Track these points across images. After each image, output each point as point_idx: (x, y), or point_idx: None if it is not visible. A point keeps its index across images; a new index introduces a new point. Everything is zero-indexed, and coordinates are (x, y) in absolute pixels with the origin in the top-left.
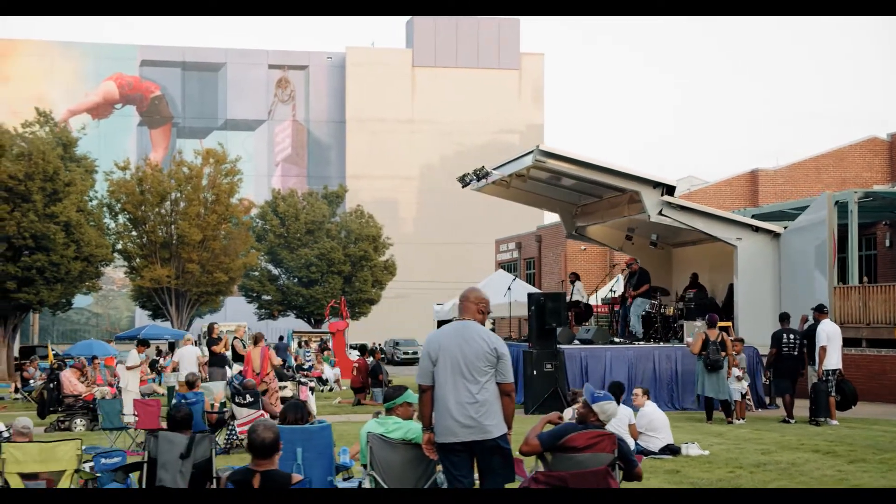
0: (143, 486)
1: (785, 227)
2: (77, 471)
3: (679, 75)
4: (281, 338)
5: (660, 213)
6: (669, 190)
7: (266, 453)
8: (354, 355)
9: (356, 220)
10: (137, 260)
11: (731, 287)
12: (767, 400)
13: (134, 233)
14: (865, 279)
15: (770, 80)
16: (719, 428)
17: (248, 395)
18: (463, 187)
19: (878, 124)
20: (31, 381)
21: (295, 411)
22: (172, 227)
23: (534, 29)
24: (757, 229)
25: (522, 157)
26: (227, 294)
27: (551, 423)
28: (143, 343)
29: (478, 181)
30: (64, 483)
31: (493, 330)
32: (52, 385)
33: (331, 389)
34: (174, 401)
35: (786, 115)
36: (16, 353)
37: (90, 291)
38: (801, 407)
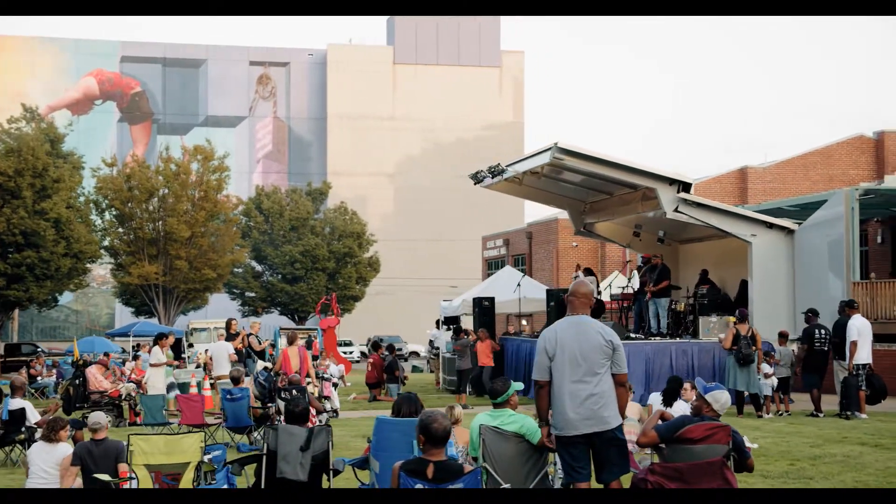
0: (264, 479)
1: (799, 224)
2: (201, 462)
3: (663, 73)
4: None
5: (676, 210)
6: (685, 187)
7: (442, 442)
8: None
9: (340, 217)
10: (124, 257)
11: (742, 283)
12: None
13: (121, 229)
14: (873, 275)
15: (756, 78)
16: (753, 422)
17: (293, 391)
18: (475, 184)
19: (864, 121)
20: (39, 378)
21: (409, 404)
22: (160, 223)
23: (514, 26)
24: (771, 226)
25: (540, 154)
26: (215, 291)
27: (664, 417)
28: (162, 337)
29: (492, 178)
30: (188, 475)
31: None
32: (77, 381)
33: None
34: (218, 396)
35: (773, 112)
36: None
37: (77, 288)
38: (825, 402)
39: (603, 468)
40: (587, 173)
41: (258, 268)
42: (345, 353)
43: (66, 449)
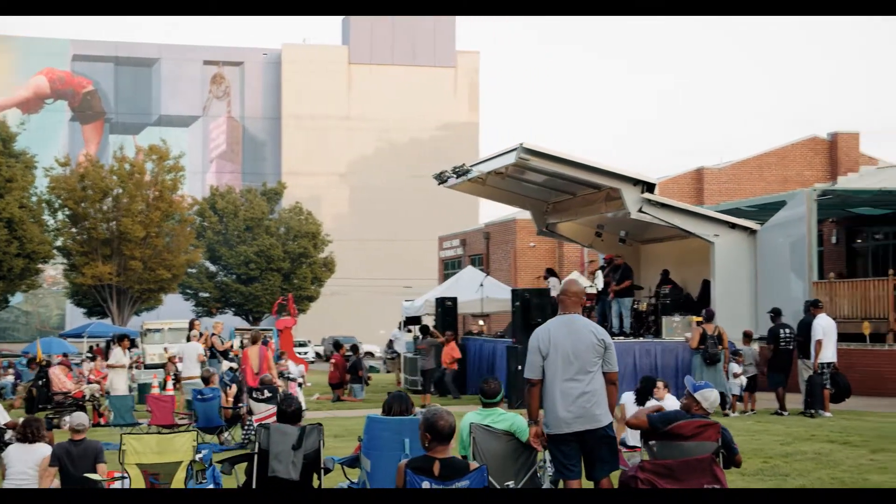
0: (255, 477)
1: (761, 224)
2: (192, 462)
3: (618, 74)
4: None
5: (640, 210)
6: (649, 187)
7: (448, 440)
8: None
9: (295, 217)
10: (77, 257)
11: (704, 283)
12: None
13: (74, 229)
14: (832, 275)
15: (711, 79)
16: (721, 420)
17: (265, 391)
18: (439, 184)
19: (817, 123)
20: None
21: (400, 402)
22: (114, 223)
23: (470, 27)
24: (733, 226)
25: (505, 155)
26: (170, 291)
27: (659, 411)
28: (123, 339)
29: (457, 178)
30: (180, 474)
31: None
32: (40, 382)
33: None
34: (189, 397)
35: (727, 113)
36: None
37: (29, 289)
38: (789, 400)
39: (594, 465)
40: (551, 174)
41: (212, 268)
42: (300, 353)
43: (44, 449)
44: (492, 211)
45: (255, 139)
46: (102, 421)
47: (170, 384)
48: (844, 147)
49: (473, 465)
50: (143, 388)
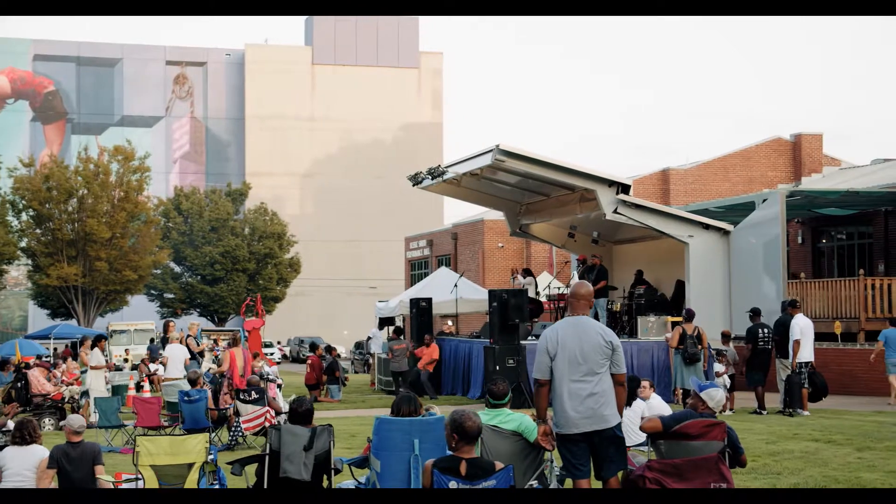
0: (266, 478)
1: (734, 225)
2: (205, 463)
3: (583, 75)
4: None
5: (615, 212)
6: (624, 188)
7: (475, 440)
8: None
9: (261, 218)
10: (42, 258)
11: (678, 283)
12: None
13: (38, 230)
14: (802, 275)
15: (676, 80)
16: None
17: (253, 392)
18: (414, 185)
19: (780, 125)
20: None
21: (409, 403)
22: (77, 224)
23: (433, 28)
24: (707, 227)
25: (481, 156)
26: (136, 292)
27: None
28: (101, 339)
29: (432, 179)
30: (193, 475)
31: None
32: (19, 384)
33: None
34: (170, 398)
35: (691, 114)
36: None
37: None
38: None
39: (602, 465)
40: (527, 175)
41: (177, 269)
42: (266, 354)
43: (41, 451)
44: (457, 211)
45: (218, 140)
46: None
47: (147, 385)
48: (808, 148)
49: (499, 465)
50: (117, 390)
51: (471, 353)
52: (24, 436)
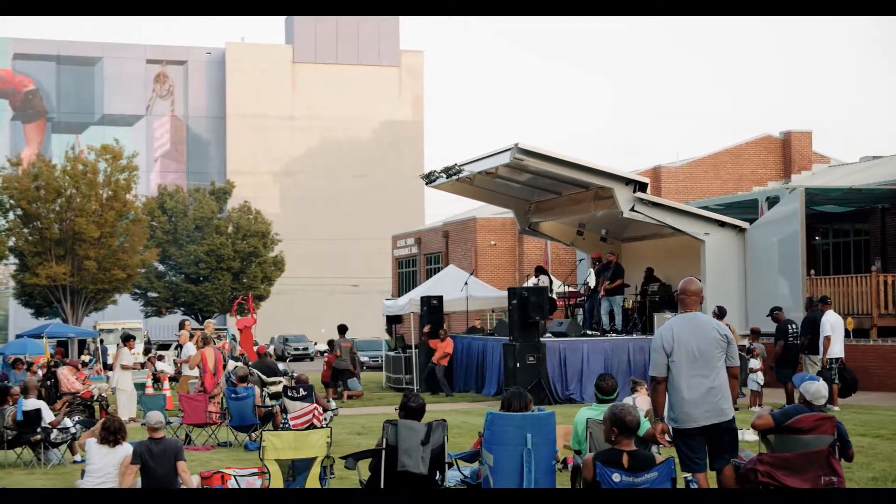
0: (383, 473)
1: (750, 223)
2: (327, 457)
3: (566, 74)
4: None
5: (632, 209)
6: (641, 186)
7: (633, 433)
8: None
9: (245, 216)
10: (30, 257)
11: None
12: None
13: (26, 230)
14: (812, 271)
15: (663, 78)
16: (739, 415)
17: (301, 389)
18: (427, 184)
19: (769, 122)
20: None
21: (520, 399)
22: (64, 223)
23: (414, 27)
24: (723, 224)
25: (498, 155)
26: (125, 291)
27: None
28: (129, 339)
29: (447, 178)
30: (315, 469)
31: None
32: (49, 382)
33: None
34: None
35: (680, 112)
36: None
37: None
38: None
39: (717, 457)
40: (542, 173)
41: (161, 268)
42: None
43: (126, 448)
44: (438, 209)
45: (199, 138)
46: None
47: (166, 384)
48: (797, 146)
49: (659, 457)
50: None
51: (485, 350)
52: (109, 436)
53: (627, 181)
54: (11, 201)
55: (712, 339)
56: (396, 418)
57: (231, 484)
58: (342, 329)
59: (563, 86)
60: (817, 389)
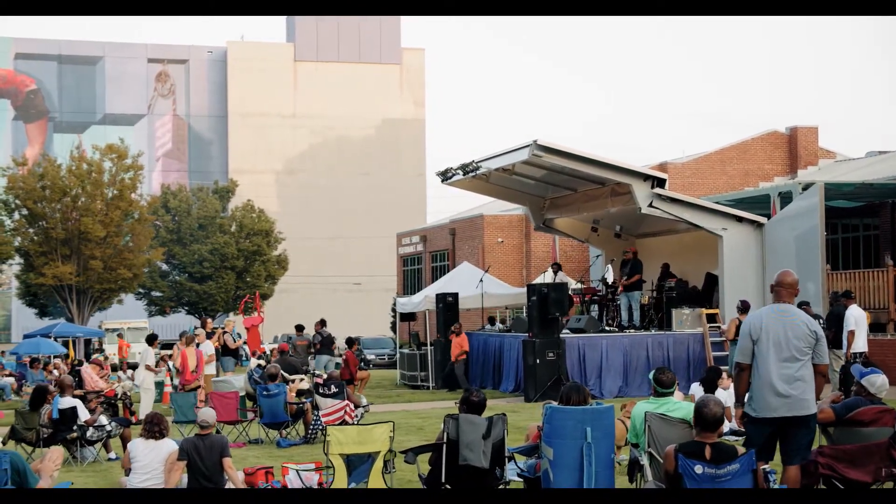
0: (444, 467)
1: (768, 218)
2: (390, 451)
3: (570, 71)
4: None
5: (650, 205)
6: (660, 182)
7: (715, 427)
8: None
9: (248, 215)
10: (36, 257)
11: (708, 276)
12: None
13: (31, 230)
14: (828, 266)
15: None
16: None
17: (332, 386)
18: (443, 182)
19: (775, 118)
20: None
21: (578, 393)
22: (70, 223)
23: (415, 25)
24: (741, 219)
25: (516, 151)
26: (131, 291)
27: (835, 401)
28: (154, 339)
29: (463, 175)
30: (378, 463)
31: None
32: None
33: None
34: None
35: (685, 109)
36: None
37: None
38: None
39: (791, 452)
40: (559, 170)
41: (164, 267)
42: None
43: (171, 444)
44: (440, 207)
45: (201, 137)
46: (134, 419)
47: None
48: (803, 141)
49: (741, 449)
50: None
51: (502, 346)
52: (157, 430)
53: (646, 177)
54: (17, 201)
55: (800, 333)
56: (457, 412)
57: (290, 478)
58: (299, 328)
59: (563, 85)
60: (883, 383)
